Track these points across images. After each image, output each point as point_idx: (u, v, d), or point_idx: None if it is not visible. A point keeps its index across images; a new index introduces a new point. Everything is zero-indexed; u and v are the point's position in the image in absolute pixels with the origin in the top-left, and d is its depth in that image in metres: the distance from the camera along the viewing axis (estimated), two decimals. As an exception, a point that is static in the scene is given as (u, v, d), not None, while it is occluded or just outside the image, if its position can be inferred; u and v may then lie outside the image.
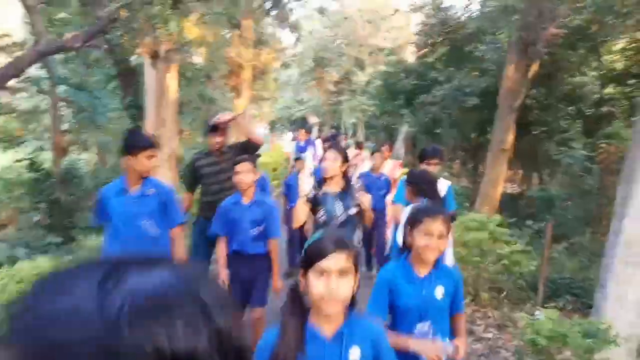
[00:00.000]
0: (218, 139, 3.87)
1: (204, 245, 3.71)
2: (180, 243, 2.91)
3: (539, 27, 6.67)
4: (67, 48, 4.87)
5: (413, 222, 1.97)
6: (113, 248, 2.69)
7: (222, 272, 3.12)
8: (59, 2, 10.22)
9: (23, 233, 5.06)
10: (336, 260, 1.35)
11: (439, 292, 1.95)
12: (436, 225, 1.88)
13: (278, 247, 3.24)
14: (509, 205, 11.37)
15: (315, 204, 3.02)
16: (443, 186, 3.57)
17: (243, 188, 3.09)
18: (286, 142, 9.03)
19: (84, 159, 8.76)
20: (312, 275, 1.37)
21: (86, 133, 9.08)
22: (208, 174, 3.84)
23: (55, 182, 6.74)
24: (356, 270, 1.44)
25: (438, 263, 1.97)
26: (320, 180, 3.11)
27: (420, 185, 3.21)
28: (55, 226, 5.49)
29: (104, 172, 8.09)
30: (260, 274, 3.13)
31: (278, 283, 3.21)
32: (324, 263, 1.35)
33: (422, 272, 1.95)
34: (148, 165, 2.68)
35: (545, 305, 4.08)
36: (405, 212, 3.21)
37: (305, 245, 1.47)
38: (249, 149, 3.74)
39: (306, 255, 1.43)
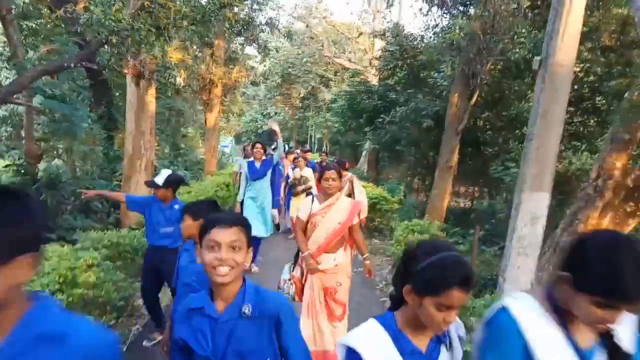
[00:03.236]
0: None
1: None
2: None
3: (479, 61, 7.71)
4: (65, 67, 5.42)
5: None
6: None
7: None
8: (35, 14, 10.62)
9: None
10: None
11: None
12: None
13: None
14: (461, 217, 12.42)
15: None
16: None
17: None
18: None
19: (56, 166, 9.12)
20: None
21: (61, 141, 9.49)
22: None
23: (41, 186, 7.22)
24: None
25: None
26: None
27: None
28: (44, 227, 5.99)
29: (83, 180, 8.56)
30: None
31: None
32: None
33: None
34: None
35: (473, 295, 4.94)
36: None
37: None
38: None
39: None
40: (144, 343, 4.11)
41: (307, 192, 7.73)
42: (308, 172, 8.60)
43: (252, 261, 5.00)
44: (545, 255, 5.40)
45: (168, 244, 3.91)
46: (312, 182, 8.25)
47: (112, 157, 10.23)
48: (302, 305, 3.68)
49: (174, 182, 3.98)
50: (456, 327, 1.52)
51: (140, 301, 4.97)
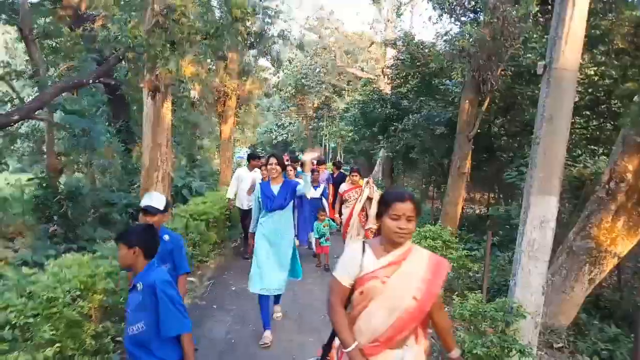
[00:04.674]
0: None
1: None
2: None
3: (489, 67, 7.73)
4: (83, 84, 5.65)
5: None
6: None
7: None
8: (55, 33, 11.01)
9: (40, 243, 5.73)
10: None
11: None
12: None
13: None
14: (477, 223, 12.35)
15: None
16: None
17: None
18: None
19: (77, 179, 9.43)
20: None
21: (81, 155, 9.79)
22: None
23: (63, 198, 7.47)
24: None
25: None
26: None
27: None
28: (65, 237, 6.22)
29: (102, 192, 8.82)
30: None
31: None
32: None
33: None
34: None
35: (486, 300, 4.94)
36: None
37: None
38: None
39: None
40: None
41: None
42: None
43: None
44: (559, 259, 5.37)
45: None
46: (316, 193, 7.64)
47: (130, 170, 10.50)
48: None
49: (169, 206, 3.46)
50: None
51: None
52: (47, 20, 10.99)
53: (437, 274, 2.11)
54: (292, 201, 4.68)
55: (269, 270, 4.45)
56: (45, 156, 10.00)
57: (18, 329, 2.85)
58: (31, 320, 2.89)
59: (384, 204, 2.10)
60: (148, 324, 2.39)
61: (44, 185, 7.97)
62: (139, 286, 2.43)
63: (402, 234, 2.04)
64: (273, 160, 4.60)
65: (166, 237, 3.25)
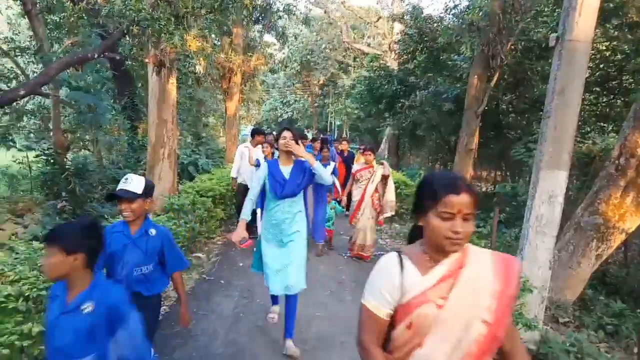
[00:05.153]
0: None
1: None
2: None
3: (499, 41, 7.59)
4: (88, 59, 5.60)
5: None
6: None
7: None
8: (58, 8, 10.89)
9: (49, 218, 5.80)
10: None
11: None
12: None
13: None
14: (483, 200, 12.34)
15: None
16: None
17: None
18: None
19: (84, 156, 9.47)
20: None
21: (87, 132, 9.81)
22: None
23: (70, 175, 7.53)
24: None
25: None
26: None
27: None
28: (74, 213, 6.30)
29: (109, 168, 8.88)
30: None
31: None
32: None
33: None
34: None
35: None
36: None
37: None
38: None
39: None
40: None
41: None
42: None
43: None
44: (567, 235, 5.37)
45: (143, 290, 2.63)
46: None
47: (136, 147, 10.51)
48: None
49: (152, 190, 2.67)
50: None
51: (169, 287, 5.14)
52: (50, -6, 10.88)
53: (508, 280, 1.47)
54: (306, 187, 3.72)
55: (276, 272, 3.69)
56: (51, 133, 10.03)
57: (31, 301, 2.91)
58: (43, 292, 2.94)
59: (430, 196, 1.46)
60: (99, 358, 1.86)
61: (52, 162, 8.02)
62: (87, 307, 1.85)
63: (457, 239, 1.42)
64: (287, 133, 3.55)
65: (152, 231, 2.64)
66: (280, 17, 13.82)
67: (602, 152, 7.50)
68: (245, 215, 3.61)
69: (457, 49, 11.33)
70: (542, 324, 3.93)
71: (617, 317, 5.26)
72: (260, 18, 12.67)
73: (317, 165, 3.54)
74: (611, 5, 8.73)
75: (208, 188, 7.59)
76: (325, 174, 3.57)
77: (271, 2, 12.76)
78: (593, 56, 9.30)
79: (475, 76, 8.48)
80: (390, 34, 21.26)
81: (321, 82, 33.43)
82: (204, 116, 17.89)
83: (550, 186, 3.59)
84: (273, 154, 6.70)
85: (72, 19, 9.05)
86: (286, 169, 3.66)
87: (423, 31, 12.35)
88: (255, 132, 7.35)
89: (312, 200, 6.56)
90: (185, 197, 6.77)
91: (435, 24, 12.15)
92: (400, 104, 13.84)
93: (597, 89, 10.49)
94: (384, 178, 6.44)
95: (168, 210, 6.21)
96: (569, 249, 5.27)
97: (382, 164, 6.61)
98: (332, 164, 6.14)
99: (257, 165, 6.15)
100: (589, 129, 10.24)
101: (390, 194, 6.49)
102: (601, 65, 10.18)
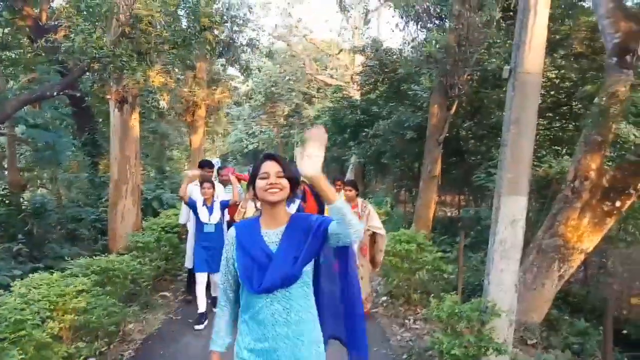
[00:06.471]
0: None
1: None
2: None
3: (456, 72, 7.93)
4: (47, 97, 5.47)
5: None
6: None
7: None
8: (14, 44, 10.66)
9: (4, 263, 5.49)
10: None
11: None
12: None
13: None
14: (449, 225, 12.56)
15: None
16: None
17: None
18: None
19: (41, 195, 9.10)
20: None
21: (45, 170, 9.46)
22: None
23: (27, 215, 7.19)
24: None
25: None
26: None
27: None
28: (31, 256, 5.99)
29: (69, 207, 8.54)
30: None
31: None
32: None
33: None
34: None
35: (462, 300, 5.03)
36: None
37: None
38: None
39: None
40: None
41: None
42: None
43: None
44: (530, 257, 5.52)
45: None
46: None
47: (98, 184, 10.20)
48: None
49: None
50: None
51: (131, 326, 4.93)
52: (6, 31, 10.64)
53: None
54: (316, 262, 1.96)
55: None
56: (6, 172, 9.63)
57: (-17, 354, 2.73)
58: (-3, 344, 2.77)
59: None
60: None
61: (6, 202, 7.64)
62: None
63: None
64: (272, 167, 1.92)
65: None
66: (243, 51, 13.98)
67: (558, 175, 7.83)
68: (219, 346, 2.10)
69: (416, 79, 11.74)
70: (512, 347, 3.98)
71: (582, 336, 5.40)
72: (223, 52, 12.78)
73: (339, 202, 1.75)
74: (557, 37, 9.33)
75: (174, 224, 7.42)
76: (353, 217, 1.78)
77: (234, 36, 12.92)
78: (544, 83, 9.82)
79: (435, 105, 8.79)
80: (352, 65, 21.82)
81: (286, 113, 33.71)
82: (167, 150, 17.64)
83: (511, 211, 3.72)
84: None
85: (29, 55, 8.88)
86: (272, 233, 1.93)
87: (384, 63, 12.74)
88: (201, 165, 5.89)
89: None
90: (150, 234, 6.59)
91: (395, 56, 12.58)
92: (364, 133, 14.09)
93: (550, 114, 11.05)
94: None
95: (132, 249, 6.03)
96: (532, 270, 5.42)
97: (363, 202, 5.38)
98: (297, 201, 4.62)
99: (192, 205, 5.11)
100: (544, 153, 10.71)
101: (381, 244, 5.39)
102: (552, 92, 10.75)
